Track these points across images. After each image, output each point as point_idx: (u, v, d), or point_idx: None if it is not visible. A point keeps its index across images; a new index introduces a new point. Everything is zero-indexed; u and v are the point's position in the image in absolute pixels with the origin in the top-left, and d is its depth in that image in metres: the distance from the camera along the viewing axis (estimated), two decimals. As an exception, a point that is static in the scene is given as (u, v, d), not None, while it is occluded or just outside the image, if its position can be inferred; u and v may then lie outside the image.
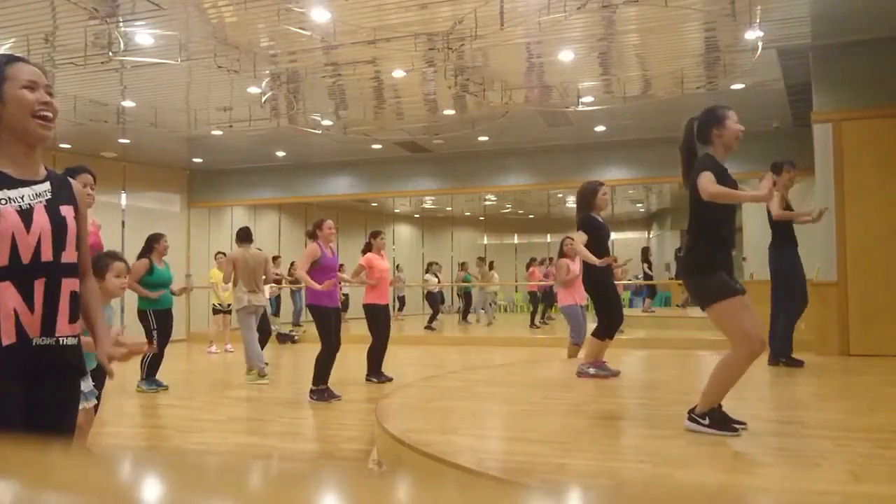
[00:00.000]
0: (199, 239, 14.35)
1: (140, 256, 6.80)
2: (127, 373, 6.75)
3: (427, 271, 15.10)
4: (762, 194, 3.29)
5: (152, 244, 6.83)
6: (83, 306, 1.98)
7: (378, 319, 6.95)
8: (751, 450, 3.07)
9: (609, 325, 5.39)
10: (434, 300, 14.53)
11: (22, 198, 1.79)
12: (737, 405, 4.02)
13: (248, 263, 7.32)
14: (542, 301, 14.41)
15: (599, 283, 5.42)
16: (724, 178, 3.34)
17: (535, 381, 5.41)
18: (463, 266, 16.05)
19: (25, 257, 1.76)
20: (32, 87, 1.82)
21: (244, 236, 7.54)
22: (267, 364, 7.55)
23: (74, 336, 1.89)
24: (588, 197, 5.48)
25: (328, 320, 6.16)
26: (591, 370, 5.25)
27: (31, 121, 1.81)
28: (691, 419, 3.36)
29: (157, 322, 6.78)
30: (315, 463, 4.18)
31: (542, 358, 7.43)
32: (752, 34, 6.83)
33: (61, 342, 1.84)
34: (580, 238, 5.38)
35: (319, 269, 6.14)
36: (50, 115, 1.83)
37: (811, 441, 3.30)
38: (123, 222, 13.01)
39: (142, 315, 6.78)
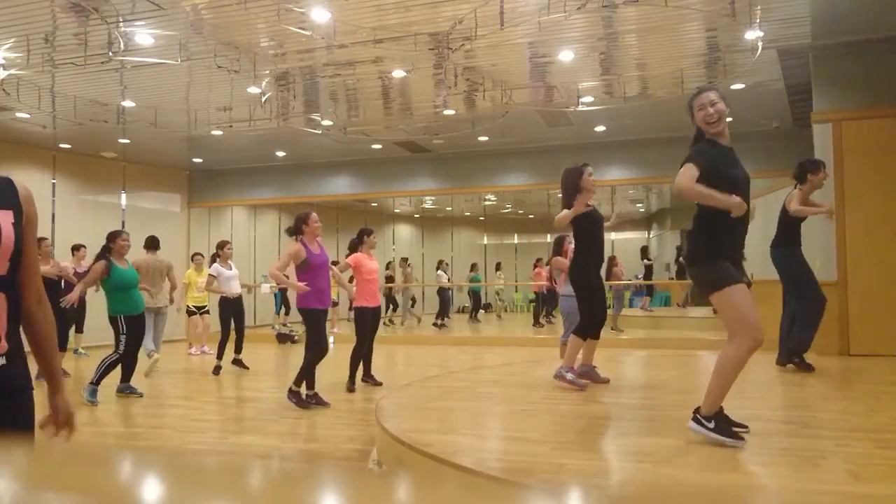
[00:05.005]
0: (199, 239, 14.34)
1: (98, 257, 6.47)
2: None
3: (437, 269, 15.30)
4: (734, 203, 3.08)
5: (109, 242, 6.48)
6: (38, 339, 1.78)
7: (366, 323, 6.64)
8: (751, 450, 3.07)
9: (587, 324, 5.05)
10: (445, 297, 14.74)
11: None
12: (737, 405, 4.02)
13: (150, 269, 7.82)
14: (546, 301, 14.43)
15: (583, 278, 5.08)
16: (720, 164, 3.24)
17: (535, 381, 5.40)
18: (473, 267, 16.62)
19: None
20: None
21: (152, 244, 8.03)
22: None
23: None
24: (574, 180, 4.96)
25: (319, 323, 5.76)
26: (569, 376, 4.90)
27: None
28: (696, 420, 3.22)
29: (128, 328, 6.43)
30: (315, 463, 4.18)
31: (542, 358, 7.42)
32: (752, 34, 6.83)
33: None
34: (562, 214, 4.93)
35: (309, 269, 5.69)
36: None
37: (811, 441, 3.30)
38: (123, 222, 13.01)
39: (112, 321, 6.41)
